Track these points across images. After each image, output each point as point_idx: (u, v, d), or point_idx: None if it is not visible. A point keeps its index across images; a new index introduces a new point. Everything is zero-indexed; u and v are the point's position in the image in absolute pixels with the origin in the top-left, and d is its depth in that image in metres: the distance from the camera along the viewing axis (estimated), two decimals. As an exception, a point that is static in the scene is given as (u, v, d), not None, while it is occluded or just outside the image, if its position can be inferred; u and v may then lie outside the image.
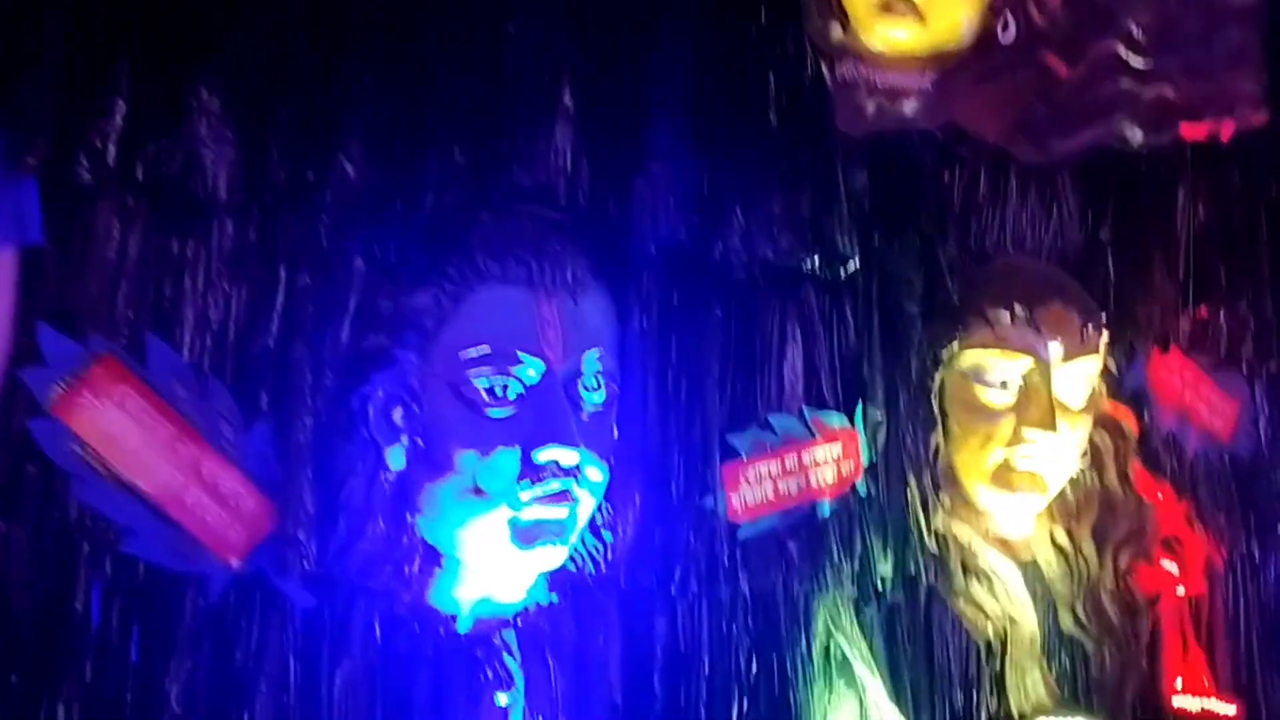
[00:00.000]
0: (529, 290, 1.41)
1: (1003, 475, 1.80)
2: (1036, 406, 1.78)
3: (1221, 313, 2.13)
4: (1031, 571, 1.90)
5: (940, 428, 1.81)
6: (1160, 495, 2.04)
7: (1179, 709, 1.99)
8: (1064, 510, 1.93)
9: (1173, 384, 2.11)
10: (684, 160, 1.58)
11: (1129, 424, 1.99)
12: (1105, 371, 1.95)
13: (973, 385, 1.80)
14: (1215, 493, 2.12)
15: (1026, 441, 1.78)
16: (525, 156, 1.48)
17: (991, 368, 1.78)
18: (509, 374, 1.39)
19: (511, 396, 1.39)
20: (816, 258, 1.63)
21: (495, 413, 1.39)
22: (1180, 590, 2.06)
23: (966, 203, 1.87)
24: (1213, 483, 2.11)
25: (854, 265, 1.66)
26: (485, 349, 1.39)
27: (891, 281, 1.71)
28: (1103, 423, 1.97)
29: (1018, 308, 1.78)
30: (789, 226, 1.60)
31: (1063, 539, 1.92)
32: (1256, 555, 2.15)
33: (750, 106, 1.64)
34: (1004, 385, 1.80)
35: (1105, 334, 1.88)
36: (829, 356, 1.65)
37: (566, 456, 1.40)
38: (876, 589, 1.66)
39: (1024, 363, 1.79)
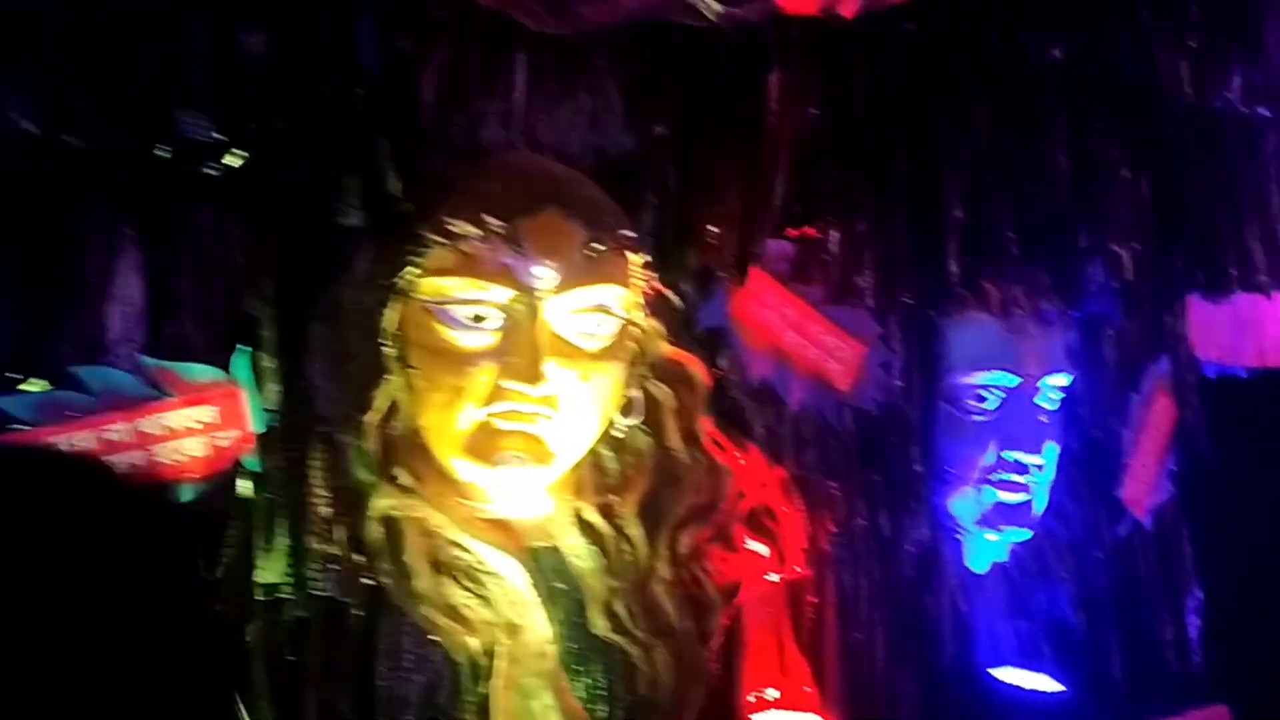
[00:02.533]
0: None
1: (482, 441, 1.37)
2: (517, 351, 1.37)
3: (836, 235, 1.74)
4: (547, 563, 1.48)
5: (400, 381, 1.40)
6: (743, 460, 1.66)
7: (761, 730, 1.62)
8: (599, 483, 1.52)
9: (767, 322, 1.71)
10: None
11: (697, 372, 1.59)
12: (657, 305, 1.55)
13: (436, 323, 1.37)
14: (828, 455, 1.73)
15: (506, 397, 1.37)
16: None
17: (458, 299, 1.36)
18: None
19: None
20: (173, 143, 1.18)
21: None
22: (773, 577, 1.68)
23: (450, 83, 1.44)
24: (825, 443, 1.72)
25: (234, 156, 1.22)
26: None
27: (304, 182, 1.28)
28: (660, 371, 1.57)
29: (490, 219, 1.35)
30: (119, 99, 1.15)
31: (596, 519, 1.51)
32: (884, 530, 1.79)
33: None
34: (477, 321, 1.38)
35: (639, 255, 1.48)
36: (199, 287, 1.21)
37: None
38: (275, 595, 1.24)
39: (501, 292, 1.36)
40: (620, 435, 1.51)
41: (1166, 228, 2.25)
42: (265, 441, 1.28)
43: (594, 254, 1.39)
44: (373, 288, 1.33)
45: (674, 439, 1.56)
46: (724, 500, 1.59)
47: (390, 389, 1.37)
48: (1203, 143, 2.27)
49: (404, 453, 1.38)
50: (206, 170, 1.18)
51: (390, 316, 1.37)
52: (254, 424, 1.28)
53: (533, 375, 1.35)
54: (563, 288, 1.38)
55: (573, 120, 1.46)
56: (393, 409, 1.37)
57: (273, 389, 1.26)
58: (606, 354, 1.43)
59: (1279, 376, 2.71)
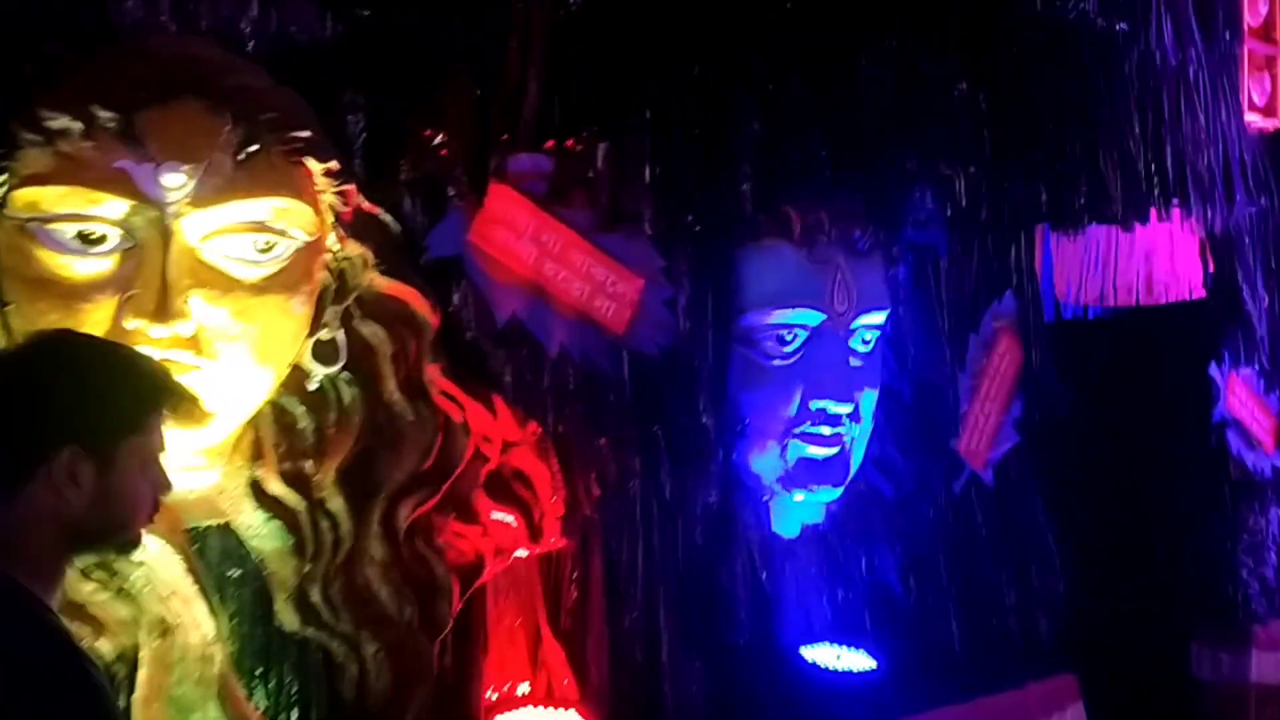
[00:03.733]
0: None
1: None
2: (141, 280, 1.07)
3: (604, 148, 1.48)
4: (214, 546, 1.19)
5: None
6: (485, 415, 1.41)
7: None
8: (287, 445, 1.23)
9: (517, 251, 1.44)
10: None
11: (420, 309, 1.32)
12: (365, 227, 1.28)
13: (34, 246, 1.07)
14: (596, 407, 1.48)
15: (130, 339, 1.05)
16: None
17: (57, 215, 1.06)
18: None
19: None
20: None
21: None
22: (521, 552, 1.44)
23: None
24: (592, 393, 1.48)
25: None
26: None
27: None
28: (372, 308, 1.29)
29: (100, 110, 1.06)
30: None
31: (281, 490, 1.22)
32: (666, 492, 1.55)
33: None
34: (88, 244, 1.08)
35: (321, 162, 1.19)
36: None
37: None
38: None
39: (116, 205, 1.07)
40: (316, 387, 1.25)
41: (1010, 151, 2.05)
42: None
43: (249, 158, 1.12)
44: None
45: (391, 390, 1.28)
46: (458, 463, 1.33)
47: (-21, 332, 1.09)
48: (1054, 57, 2.06)
49: None
50: None
51: (-23, 238, 1.09)
52: None
53: (162, 310, 1.07)
54: (205, 200, 1.09)
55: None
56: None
57: None
58: (276, 284, 1.15)
59: (1137, 315, 2.58)
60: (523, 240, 1.43)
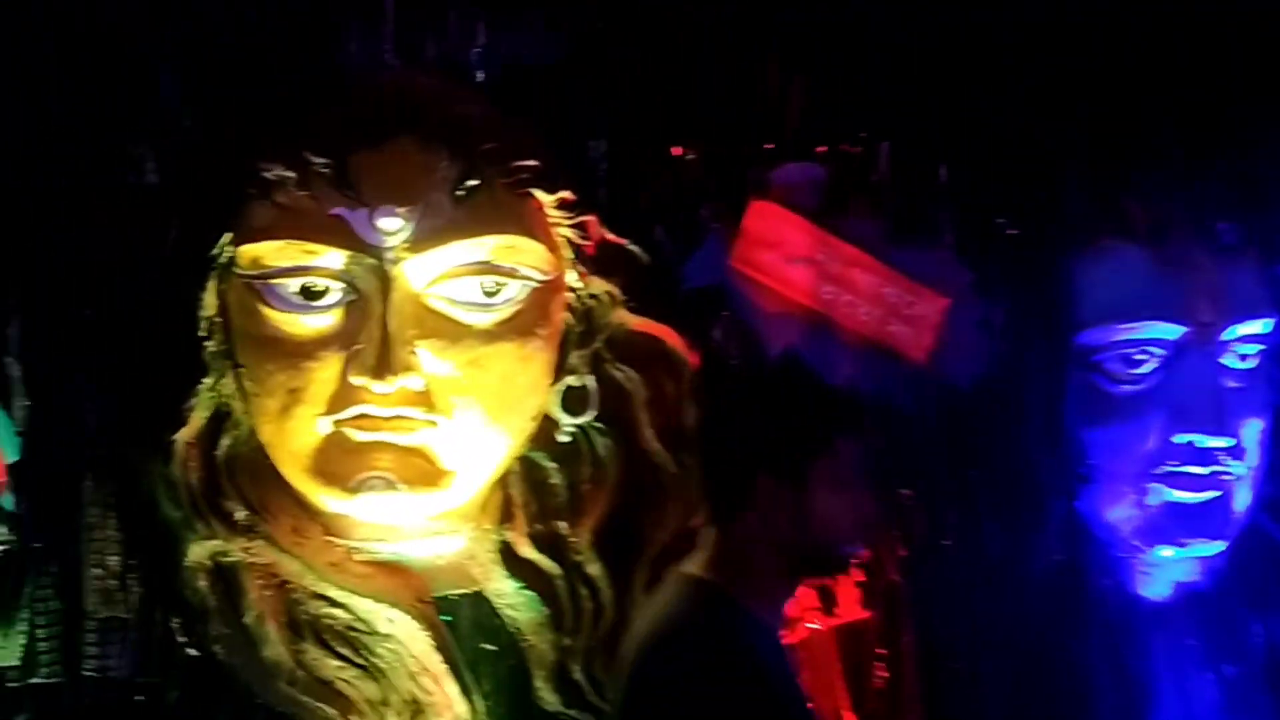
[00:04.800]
0: None
1: (335, 460, 1.00)
2: (365, 333, 1.00)
3: (887, 148, 1.27)
4: (465, 617, 1.10)
5: (227, 384, 1.06)
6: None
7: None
8: (538, 505, 1.12)
9: (788, 274, 1.25)
10: None
11: (678, 347, 1.17)
12: (609, 260, 1.15)
13: (260, 304, 1.01)
14: (896, 452, 1.26)
15: (356, 398, 0.99)
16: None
17: (278, 269, 1.00)
18: None
19: None
20: None
21: None
22: (815, 625, 1.23)
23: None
24: (890, 435, 1.24)
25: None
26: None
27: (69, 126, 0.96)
28: (624, 349, 1.16)
29: (313, 158, 0.98)
30: None
31: (534, 555, 1.11)
32: (992, 550, 1.27)
33: None
34: (309, 298, 1.01)
35: (551, 192, 1.08)
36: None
37: None
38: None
39: (334, 256, 1.00)
40: (567, 439, 1.13)
41: None
42: (21, 473, 0.99)
43: (468, 194, 1.02)
44: (179, 262, 1.02)
45: (649, 439, 1.14)
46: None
47: (212, 395, 1.05)
48: None
49: (240, 479, 1.05)
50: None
51: (208, 300, 1.04)
52: (4, 451, 0.99)
53: (381, 366, 0.98)
54: (424, 243, 1.00)
55: (466, 24, 1.09)
56: (218, 422, 1.05)
57: (24, 404, 0.97)
58: (510, 329, 1.04)
59: None
60: (795, 262, 1.25)
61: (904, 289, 1.31)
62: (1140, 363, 1.36)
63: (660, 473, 1.15)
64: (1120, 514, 1.39)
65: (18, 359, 0.99)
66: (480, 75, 1.10)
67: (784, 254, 1.27)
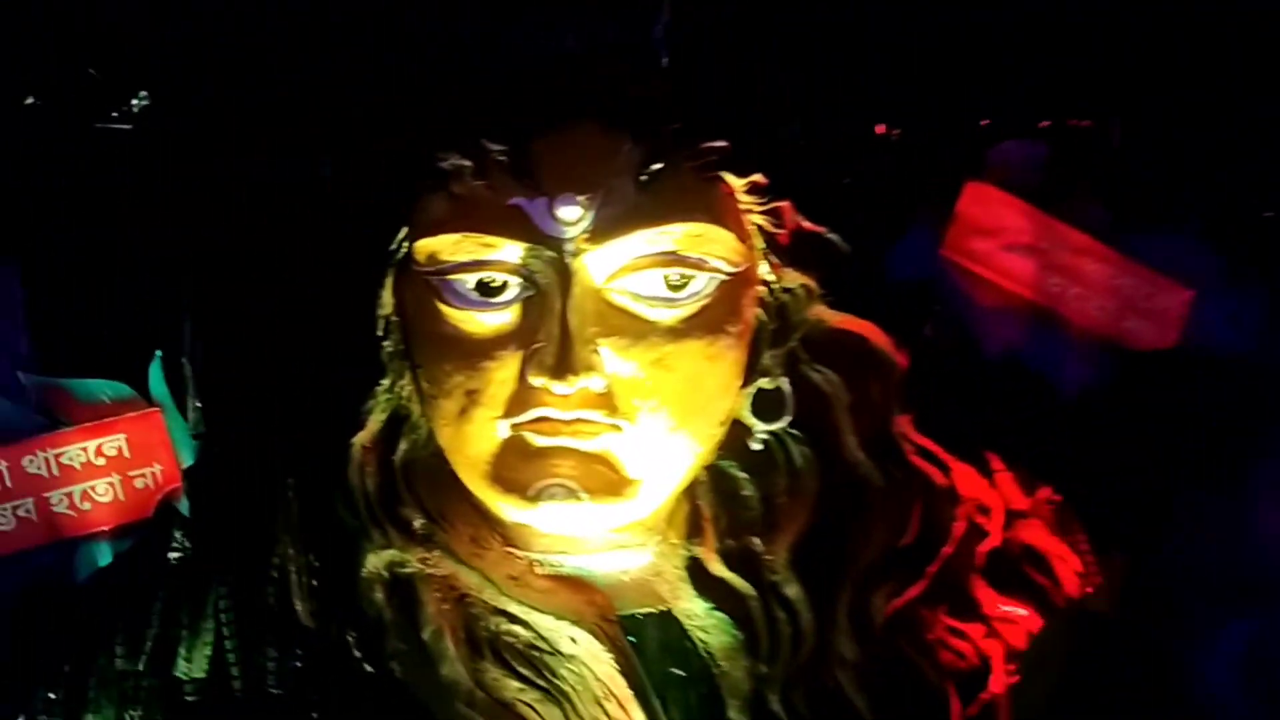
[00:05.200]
0: None
1: (514, 466, 0.93)
2: (544, 331, 0.93)
3: (1120, 123, 1.12)
4: (652, 638, 1.00)
5: (405, 385, 1.01)
6: (979, 477, 1.09)
7: None
8: (730, 518, 1.02)
9: (1012, 265, 1.13)
10: None
11: (884, 345, 1.05)
12: (804, 250, 1.04)
13: (437, 302, 0.95)
14: (1135, 463, 1.11)
15: (535, 400, 0.92)
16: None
17: (454, 264, 0.93)
18: None
19: None
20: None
21: None
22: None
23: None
24: (1128, 444, 1.11)
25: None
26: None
27: (243, 119, 0.93)
28: (823, 348, 1.05)
29: (490, 145, 0.92)
30: None
31: (726, 573, 1.00)
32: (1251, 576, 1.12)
33: None
34: (487, 294, 0.94)
35: (741, 176, 0.98)
36: (97, 275, 0.91)
37: None
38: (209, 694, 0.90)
39: (512, 249, 0.92)
40: (760, 447, 1.04)
41: None
42: (196, 477, 0.97)
43: (652, 179, 0.94)
44: (356, 259, 0.99)
45: (852, 448, 1.03)
46: (945, 539, 1.05)
47: (390, 397, 1.00)
48: None
49: (418, 485, 0.99)
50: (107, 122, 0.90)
51: (386, 298, 0.99)
52: (180, 455, 0.97)
53: (561, 365, 0.91)
54: (605, 233, 0.92)
55: (648, 4, 1.02)
56: (396, 425, 1.00)
57: (200, 407, 0.95)
58: (698, 325, 0.95)
59: None
60: (1016, 250, 1.13)
61: (1142, 279, 1.16)
62: None
63: (865, 485, 1.04)
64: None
65: (190, 359, 0.99)
66: (665, 58, 1.04)
67: (1003, 241, 1.14)
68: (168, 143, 0.93)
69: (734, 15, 1.04)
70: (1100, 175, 1.16)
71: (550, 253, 0.93)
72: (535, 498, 0.95)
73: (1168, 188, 1.15)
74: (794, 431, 1.05)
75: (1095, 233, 1.16)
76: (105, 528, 0.96)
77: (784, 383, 1.06)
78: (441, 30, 0.97)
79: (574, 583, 1.00)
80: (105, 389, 0.97)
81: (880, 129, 1.10)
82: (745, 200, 1.00)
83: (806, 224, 1.06)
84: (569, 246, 0.93)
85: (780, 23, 1.05)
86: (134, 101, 0.90)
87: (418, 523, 0.99)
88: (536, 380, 0.93)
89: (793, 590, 1.03)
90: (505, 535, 1.01)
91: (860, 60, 1.09)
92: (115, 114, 0.91)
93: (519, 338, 0.94)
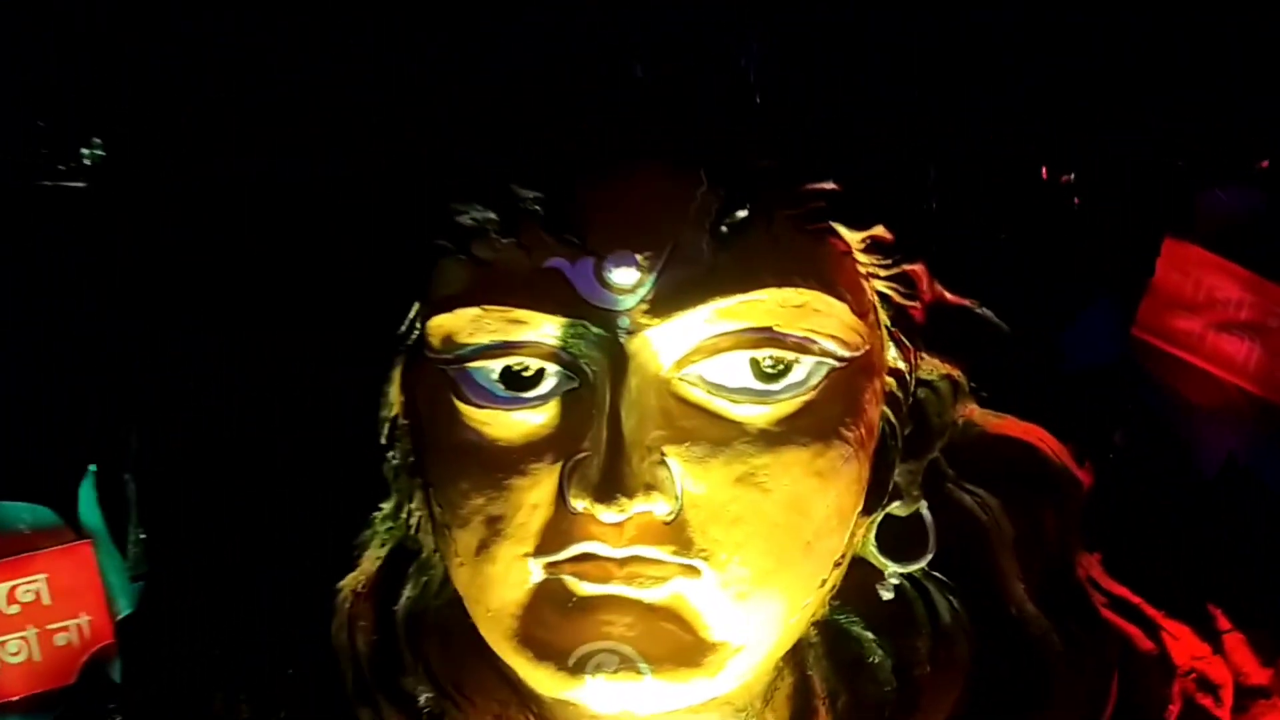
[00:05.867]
0: None
1: (548, 623, 0.68)
2: (590, 438, 0.68)
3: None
4: None
5: (415, 509, 0.78)
6: (1181, 638, 0.79)
7: None
8: (849, 694, 0.74)
9: (1229, 348, 0.83)
10: None
11: (1057, 460, 0.78)
12: (944, 330, 0.79)
13: (453, 399, 0.72)
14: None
15: (582, 534, 0.68)
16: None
17: (473, 346, 0.70)
18: None
19: None
20: None
21: None
22: None
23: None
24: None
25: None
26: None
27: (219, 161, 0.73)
28: (977, 465, 0.78)
29: (521, 191, 0.70)
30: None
31: None
32: None
33: None
34: (516, 387, 0.71)
35: (857, 229, 0.74)
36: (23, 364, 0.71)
37: None
38: None
39: (549, 327, 0.69)
40: (892, 595, 0.78)
41: None
42: (133, 632, 0.74)
43: (735, 231, 0.71)
44: (351, 345, 0.77)
45: (1019, 598, 0.76)
46: (1155, 712, 0.76)
47: (392, 527, 0.76)
48: None
49: (426, 646, 0.75)
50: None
51: (392, 395, 0.77)
52: (114, 601, 0.75)
53: (611, 483, 0.67)
54: (671, 303, 0.68)
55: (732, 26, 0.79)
56: (400, 563, 0.76)
57: (144, 539, 0.72)
58: (801, 429, 0.70)
59: None
60: (1233, 329, 0.84)
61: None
62: None
63: (1041, 649, 0.76)
64: None
65: (134, 475, 0.77)
66: (756, 92, 0.81)
67: (1216, 318, 0.86)
68: (119, 204, 0.76)
69: (839, 28, 0.81)
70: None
71: (599, 330, 0.69)
72: (579, 669, 0.70)
73: None
74: (939, 575, 0.80)
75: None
76: (14, 697, 0.75)
77: (924, 508, 0.80)
78: (466, 51, 0.77)
79: (637, 782, 0.76)
80: (22, 514, 0.77)
81: (1048, 173, 0.85)
82: (864, 262, 0.76)
83: (949, 295, 0.82)
84: (624, 322, 0.69)
85: (903, 36, 0.82)
86: (82, 158, 0.73)
87: (424, 697, 0.76)
88: (579, 504, 0.69)
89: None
90: (542, 715, 0.76)
91: (1016, 87, 0.85)
92: (57, 175, 0.74)
93: (558, 445, 0.70)
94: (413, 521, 0.77)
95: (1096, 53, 0.87)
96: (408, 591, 0.77)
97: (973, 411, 0.79)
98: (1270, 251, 0.86)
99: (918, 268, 0.77)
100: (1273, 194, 0.87)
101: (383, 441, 0.77)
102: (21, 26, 0.84)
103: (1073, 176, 0.79)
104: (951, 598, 0.77)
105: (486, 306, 0.71)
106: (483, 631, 0.74)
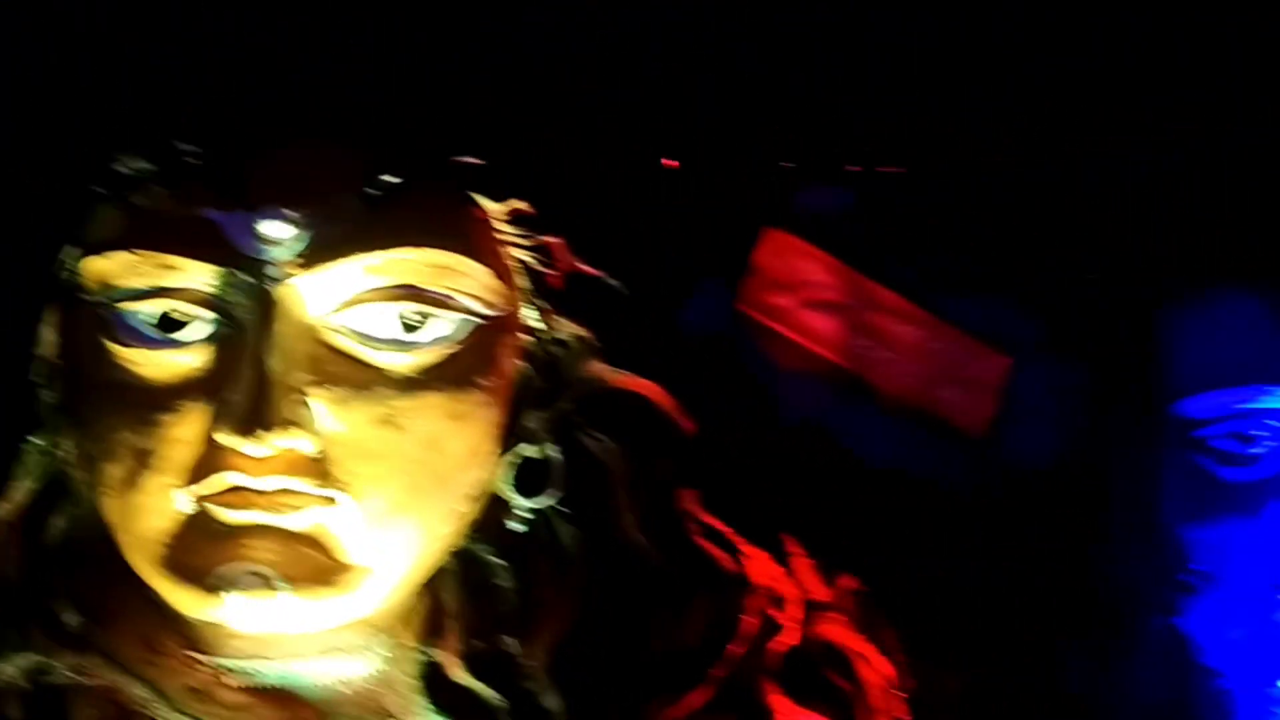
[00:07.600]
0: None
1: (195, 548, 0.74)
2: (237, 376, 0.76)
3: (933, 175, 1.03)
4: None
5: (65, 445, 0.81)
6: (773, 564, 0.96)
7: None
8: (477, 614, 0.83)
9: (815, 323, 1.01)
10: None
11: (670, 411, 0.90)
12: (579, 295, 0.90)
13: (106, 340, 0.76)
14: (951, 547, 1.00)
15: (225, 463, 0.73)
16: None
17: (127, 290, 0.75)
18: None
19: None
20: None
21: None
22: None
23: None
24: (939, 524, 1.00)
25: None
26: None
27: None
28: (598, 412, 0.90)
29: (181, 145, 0.75)
30: None
31: (470, 680, 0.82)
32: (1071, 678, 1.01)
33: None
34: (169, 329, 0.75)
35: (500, 200, 0.83)
36: None
37: None
38: None
39: (200, 272, 0.75)
40: (521, 528, 0.88)
41: None
42: None
43: (388, 194, 0.79)
44: (4, 283, 0.80)
45: (629, 529, 0.89)
46: (734, 637, 0.91)
47: (44, 460, 0.79)
48: None
49: (74, 573, 0.80)
50: None
51: (46, 335, 0.80)
52: None
53: (255, 419, 0.73)
54: (323, 257, 0.75)
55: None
56: (51, 495, 0.79)
57: None
58: (441, 377, 0.78)
59: None
60: (820, 307, 1.01)
61: (957, 345, 1.06)
62: (1257, 440, 1.12)
63: (645, 574, 0.89)
64: (1239, 638, 1.16)
65: None
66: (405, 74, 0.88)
67: (806, 297, 1.02)
68: None
69: (497, 9, 0.89)
70: (913, 229, 1.07)
71: (249, 278, 0.75)
72: (216, 588, 0.76)
73: (989, 245, 1.07)
74: (562, 509, 0.91)
75: (907, 292, 1.06)
76: None
77: (552, 450, 0.91)
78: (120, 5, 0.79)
79: (275, 696, 0.80)
80: None
81: (668, 162, 0.97)
82: (505, 231, 0.86)
83: (581, 265, 0.92)
84: (273, 271, 0.75)
85: (565, 23, 0.91)
86: None
87: (71, 620, 0.79)
88: (224, 438, 0.74)
89: (552, 701, 0.86)
90: (187, 637, 0.80)
91: (653, 81, 0.96)
92: None
93: (207, 385, 0.75)
94: (64, 456, 0.80)
95: (727, 56, 1.00)
96: (58, 522, 0.80)
97: (598, 368, 0.91)
98: (853, 242, 1.03)
99: (555, 240, 0.87)
100: (859, 193, 1.04)
101: (37, 379, 0.80)
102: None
103: (686, 166, 0.92)
104: (571, 527, 0.88)
105: (140, 251, 0.75)
106: (129, 559, 0.78)
